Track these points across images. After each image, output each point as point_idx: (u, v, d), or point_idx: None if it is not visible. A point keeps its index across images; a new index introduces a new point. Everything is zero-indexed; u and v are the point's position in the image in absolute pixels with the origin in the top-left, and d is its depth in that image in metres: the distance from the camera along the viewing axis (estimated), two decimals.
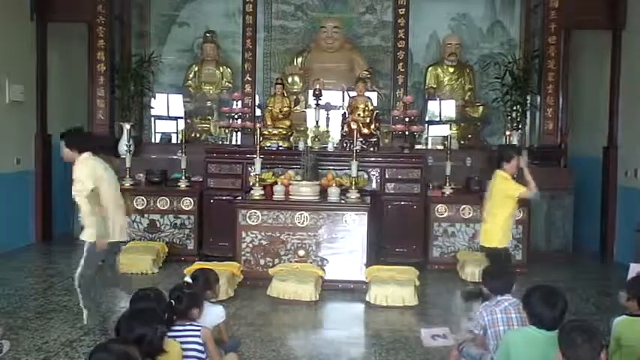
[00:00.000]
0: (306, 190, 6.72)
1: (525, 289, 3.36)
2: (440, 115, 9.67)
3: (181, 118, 9.79)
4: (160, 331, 2.96)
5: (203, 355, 3.55)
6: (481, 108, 9.58)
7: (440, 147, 8.95)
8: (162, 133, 9.85)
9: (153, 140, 9.72)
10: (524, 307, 3.29)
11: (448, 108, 9.68)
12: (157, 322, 2.99)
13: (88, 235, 5.01)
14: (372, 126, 8.08)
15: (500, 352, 3.29)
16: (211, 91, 9.94)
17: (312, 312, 5.74)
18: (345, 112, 8.39)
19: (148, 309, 3.21)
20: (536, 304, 3.18)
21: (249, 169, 7.41)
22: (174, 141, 9.50)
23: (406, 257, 7.35)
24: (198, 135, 9.60)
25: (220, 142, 9.28)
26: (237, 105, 8.79)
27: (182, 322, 3.58)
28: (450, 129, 9.30)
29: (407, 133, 8.16)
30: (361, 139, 7.76)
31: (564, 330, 2.81)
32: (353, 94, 8.34)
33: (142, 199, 7.66)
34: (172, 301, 3.62)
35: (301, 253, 6.51)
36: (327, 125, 8.74)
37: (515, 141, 8.47)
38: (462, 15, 10.18)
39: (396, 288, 5.87)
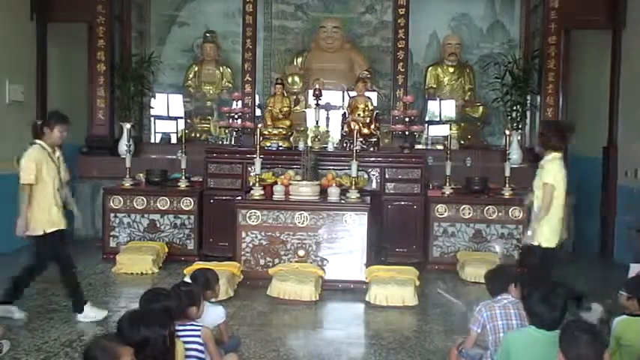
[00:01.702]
0: (306, 190, 6.72)
1: (525, 290, 3.36)
2: (440, 115, 9.68)
3: (181, 118, 9.81)
4: (162, 334, 2.92)
5: (203, 355, 3.55)
6: (481, 108, 9.59)
7: (440, 147, 8.95)
8: (162, 133, 9.85)
9: (153, 140, 9.72)
10: (525, 307, 3.30)
11: (448, 108, 9.69)
12: (160, 325, 2.95)
13: None
14: (372, 126, 8.08)
15: (501, 353, 3.29)
16: (211, 91, 9.94)
17: (312, 312, 5.74)
18: (345, 112, 8.40)
19: (153, 310, 3.19)
20: (536, 304, 3.18)
21: (249, 169, 7.41)
22: (173, 141, 9.50)
23: (406, 257, 7.35)
24: (198, 135, 9.61)
25: (220, 142, 9.29)
26: (237, 105, 8.79)
27: (182, 321, 3.57)
28: (450, 129, 9.31)
29: (407, 133, 8.16)
30: (361, 139, 7.75)
31: (567, 330, 2.80)
32: (353, 94, 8.34)
33: (142, 199, 7.65)
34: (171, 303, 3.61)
35: (301, 253, 6.51)
36: (327, 125, 8.74)
37: (515, 141, 8.48)
38: (462, 15, 10.19)
39: (396, 288, 5.87)
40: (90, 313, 5.26)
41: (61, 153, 5.43)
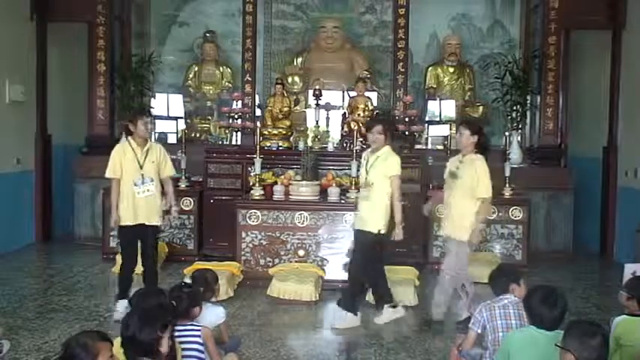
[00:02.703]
0: (306, 190, 6.72)
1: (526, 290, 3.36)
2: (440, 115, 9.67)
3: (181, 118, 9.80)
4: (150, 337, 2.90)
5: (203, 355, 3.55)
6: (481, 108, 9.57)
7: (440, 147, 8.94)
8: (159, 133, 9.85)
9: (153, 140, 9.70)
10: (525, 308, 3.29)
11: (448, 108, 9.68)
12: (150, 326, 2.94)
13: None
14: None
15: (501, 352, 3.29)
16: (211, 91, 9.94)
17: (312, 312, 5.74)
18: (345, 112, 8.39)
19: (150, 311, 3.18)
20: (537, 304, 3.17)
21: (249, 169, 7.41)
22: (173, 141, 9.49)
23: (406, 257, 7.34)
24: (198, 135, 9.60)
25: (220, 142, 9.28)
26: (237, 105, 8.78)
27: (183, 321, 3.57)
28: (450, 129, 9.29)
29: (407, 133, 8.15)
30: (361, 139, 7.74)
31: (577, 330, 2.78)
32: (353, 94, 8.34)
33: None
34: (173, 301, 3.61)
35: (301, 253, 6.51)
36: (327, 125, 8.74)
37: (515, 141, 8.47)
38: (462, 15, 10.18)
39: (395, 288, 5.86)
40: (120, 308, 5.29)
41: (158, 147, 5.58)
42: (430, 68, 9.89)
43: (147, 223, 5.38)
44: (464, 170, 5.18)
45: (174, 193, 5.81)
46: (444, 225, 5.39)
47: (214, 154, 7.96)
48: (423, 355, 4.68)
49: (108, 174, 5.42)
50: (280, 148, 7.98)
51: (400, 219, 5.31)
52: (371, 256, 5.40)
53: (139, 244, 5.45)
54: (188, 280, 4.31)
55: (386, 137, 5.42)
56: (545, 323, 3.12)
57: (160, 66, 9.88)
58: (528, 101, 8.72)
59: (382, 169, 5.34)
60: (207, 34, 9.93)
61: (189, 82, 9.98)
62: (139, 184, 5.31)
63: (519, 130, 8.67)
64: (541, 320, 3.14)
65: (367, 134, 5.56)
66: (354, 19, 10.26)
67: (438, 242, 7.48)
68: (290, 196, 6.73)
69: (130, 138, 5.45)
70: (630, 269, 4.56)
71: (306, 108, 9.38)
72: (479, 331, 3.79)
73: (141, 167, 5.35)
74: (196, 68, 9.99)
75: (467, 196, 5.16)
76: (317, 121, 8.26)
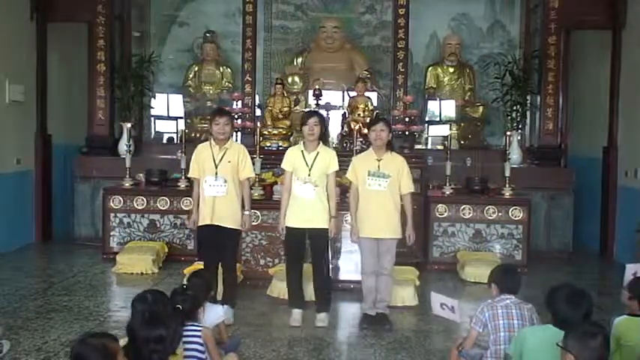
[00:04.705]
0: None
1: (545, 289, 3.32)
2: (440, 115, 9.66)
3: (181, 118, 9.79)
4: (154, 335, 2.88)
5: (203, 356, 3.55)
6: (481, 108, 9.57)
7: (440, 147, 8.94)
8: (159, 133, 9.85)
9: (152, 138, 9.73)
10: (547, 307, 3.25)
11: (448, 108, 9.67)
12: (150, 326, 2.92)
13: None
14: None
15: (515, 345, 3.26)
16: (211, 91, 9.93)
17: (312, 312, 5.72)
18: (345, 112, 8.39)
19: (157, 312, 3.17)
20: (561, 303, 3.13)
21: None
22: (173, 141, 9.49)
23: (406, 257, 7.33)
24: (198, 135, 9.59)
25: None
26: (237, 105, 8.78)
27: (185, 322, 3.57)
28: (450, 129, 9.29)
29: (407, 133, 8.15)
30: (361, 139, 7.75)
31: (578, 331, 2.76)
32: (353, 94, 8.34)
33: (142, 199, 7.65)
34: (179, 305, 3.59)
35: None
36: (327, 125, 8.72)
37: (515, 141, 8.47)
38: (462, 15, 10.18)
39: (396, 288, 5.86)
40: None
41: (239, 148, 5.48)
42: (430, 68, 9.88)
43: (222, 225, 5.29)
44: (389, 168, 5.24)
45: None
46: (371, 228, 5.27)
47: None
48: (423, 355, 4.68)
49: (189, 173, 5.61)
50: (280, 148, 7.98)
51: (334, 213, 5.34)
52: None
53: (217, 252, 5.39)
54: (187, 281, 4.29)
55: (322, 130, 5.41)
56: (569, 323, 3.02)
57: (160, 66, 9.89)
58: (528, 101, 8.73)
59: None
60: (207, 34, 9.93)
61: (189, 82, 9.97)
62: (210, 182, 5.27)
63: (519, 130, 8.67)
64: (565, 320, 3.07)
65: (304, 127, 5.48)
66: (354, 19, 10.27)
67: (437, 242, 7.49)
68: None
69: (211, 137, 5.50)
70: (631, 270, 4.55)
71: (306, 108, 9.37)
72: (480, 330, 3.78)
73: (216, 166, 5.31)
74: (196, 68, 9.99)
75: (395, 193, 5.26)
76: None
